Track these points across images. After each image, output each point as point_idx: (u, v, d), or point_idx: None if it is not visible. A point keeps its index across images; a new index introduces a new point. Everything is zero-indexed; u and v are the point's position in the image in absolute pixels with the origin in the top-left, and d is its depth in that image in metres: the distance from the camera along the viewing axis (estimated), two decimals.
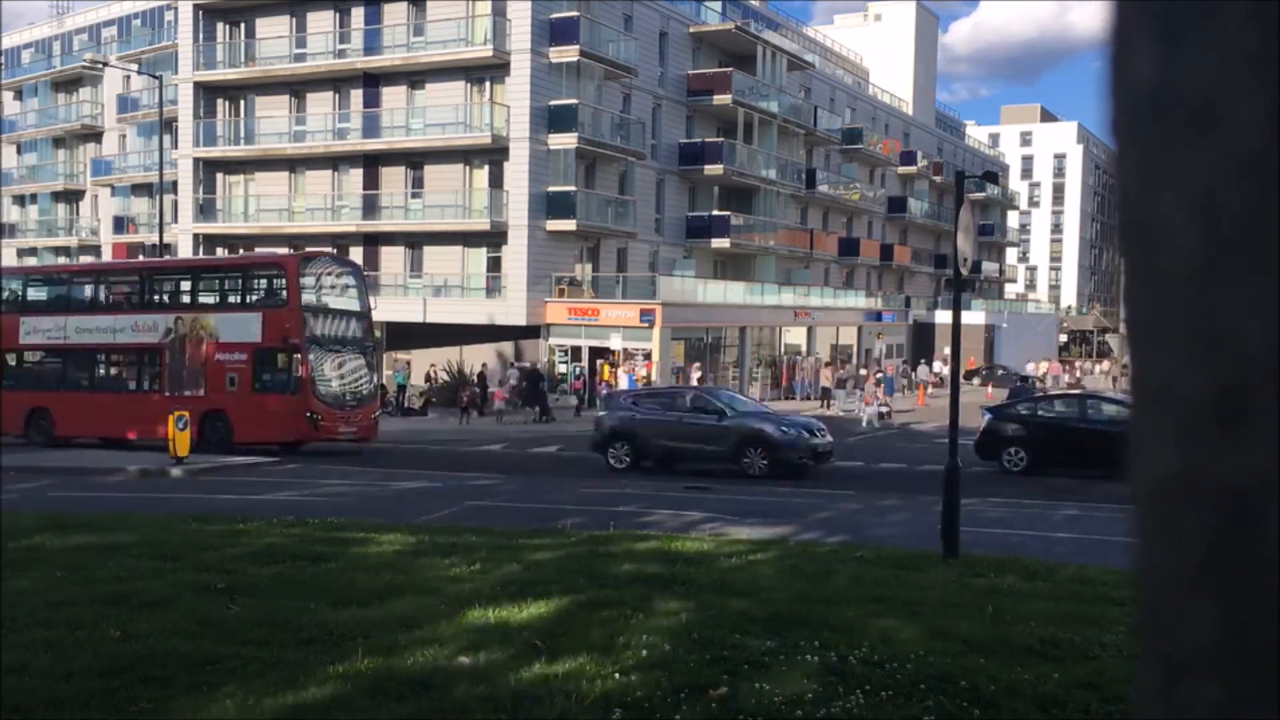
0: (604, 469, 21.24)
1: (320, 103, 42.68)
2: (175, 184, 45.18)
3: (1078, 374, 61.02)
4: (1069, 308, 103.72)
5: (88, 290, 26.98)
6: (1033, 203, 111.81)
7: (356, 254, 41.88)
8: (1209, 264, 0.60)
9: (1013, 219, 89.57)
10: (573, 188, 38.38)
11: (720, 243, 45.66)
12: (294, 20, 42.90)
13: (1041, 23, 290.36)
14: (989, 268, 76.05)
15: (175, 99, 44.74)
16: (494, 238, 38.66)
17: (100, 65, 46.43)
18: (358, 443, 24.68)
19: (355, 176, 41.75)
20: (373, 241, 41.72)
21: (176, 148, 45.05)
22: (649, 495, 17.32)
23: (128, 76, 50.42)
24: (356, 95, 41.28)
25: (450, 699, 5.58)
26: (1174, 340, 0.63)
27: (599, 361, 38.28)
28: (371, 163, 41.30)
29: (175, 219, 45.54)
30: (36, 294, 28.06)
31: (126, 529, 11.63)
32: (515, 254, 38.07)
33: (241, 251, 45.17)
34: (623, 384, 33.95)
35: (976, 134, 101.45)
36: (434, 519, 14.08)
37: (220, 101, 45.24)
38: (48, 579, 8.69)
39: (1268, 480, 0.58)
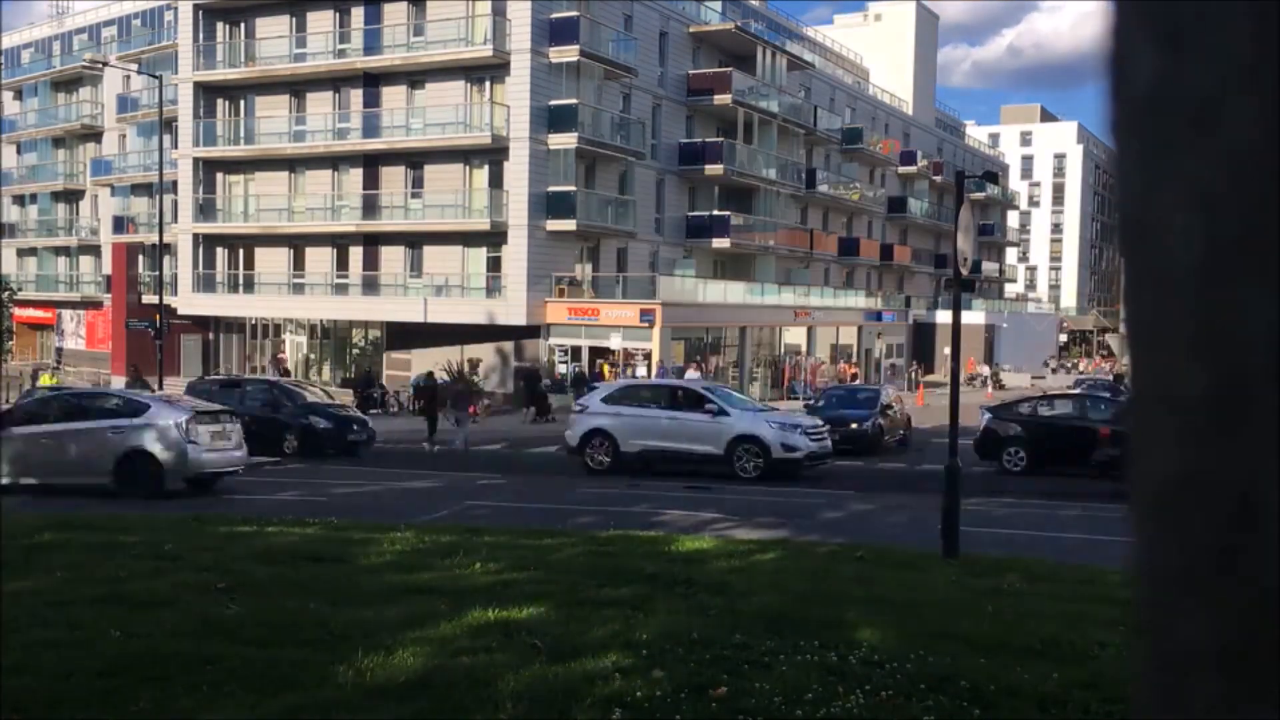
0: None
1: (320, 103, 42.66)
2: (175, 184, 45.16)
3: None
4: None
5: None
6: (1033, 203, 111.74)
7: (356, 254, 41.96)
8: (1209, 264, 0.60)
9: (1013, 219, 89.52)
10: (573, 188, 38.36)
11: (720, 243, 45.63)
12: (294, 20, 42.89)
13: (1092, 33, 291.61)
14: (989, 268, 76.02)
15: (175, 99, 44.69)
16: (494, 238, 38.64)
17: (100, 65, 46.41)
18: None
19: (355, 176, 41.73)
20: (373, 241, 41.70)
21: (176, 147, 45.03)
22: (657, 495, 17.34)
23: (128, 76, 50.38)
24: (356, 95, 41.26)
25: (450, 699, 5.58)
26: (1174, 340, 0.63)
27: (599, 361, 38.26)
28: (371, 163, 41.28)
29: (175, 219, 45.54)
30: None
31: (126, 529, 11.63)
32: (515, 254, 38.05)
33: (242, 252, 45.32)
34: None
35: (976, 134, 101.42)
36: (436, 519, 14.08)
37: (220, 101, 45.23)
38: (48, 579, 8.68)
39: (1268, 480, 0.58)
